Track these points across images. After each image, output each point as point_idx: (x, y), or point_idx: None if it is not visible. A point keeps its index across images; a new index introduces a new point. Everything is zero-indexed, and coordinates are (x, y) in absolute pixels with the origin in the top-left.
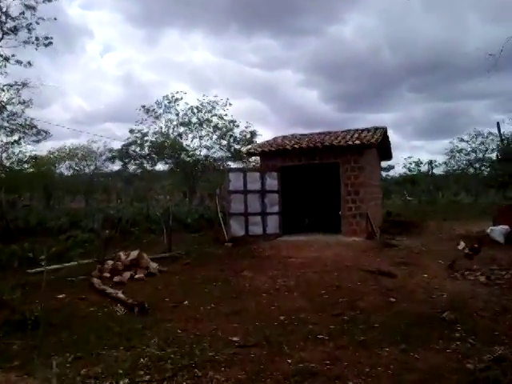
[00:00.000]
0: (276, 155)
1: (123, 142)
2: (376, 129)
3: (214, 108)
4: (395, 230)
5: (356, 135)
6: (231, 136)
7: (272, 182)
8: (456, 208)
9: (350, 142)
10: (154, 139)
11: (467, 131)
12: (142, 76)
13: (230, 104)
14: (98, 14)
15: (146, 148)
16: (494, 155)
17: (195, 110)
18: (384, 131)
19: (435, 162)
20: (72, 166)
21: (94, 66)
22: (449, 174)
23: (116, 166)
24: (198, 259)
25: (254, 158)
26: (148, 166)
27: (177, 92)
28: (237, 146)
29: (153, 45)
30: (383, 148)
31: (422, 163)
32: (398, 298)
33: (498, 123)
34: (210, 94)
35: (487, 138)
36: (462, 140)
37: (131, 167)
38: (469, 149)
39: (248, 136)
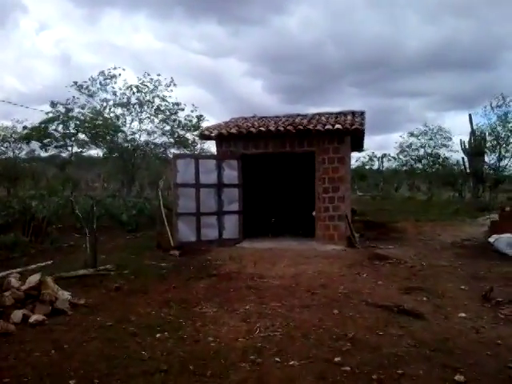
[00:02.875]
0: (236, 140)
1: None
2: (353, 113)
3: (156, 88)
4: (371, 234)
5: (332, 119)
6: (175, 120)
7: (231, 174)
8: (417, 205)
9: (329, 127)
10: (81, 116)
11: (417, 126)
12: (80, 57)
13: (175, 85)
14: None
15: (72, 127)
16: (442, 151)
17: (135, 90)
18: (363, 115)
19: (388, 155)
20: None
21: (28, 44)
22: (398, 170)
23: (34, 149)
24: (133, 280)
25: (201, 145)
26: (75, 149)
27: (114, 68)
28: (181, 132)
29: (92, 24)
30: (355, 137)
31: (376, 157)
32: (463, 371)
33: (470, 115)
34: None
35: (436, 133)
36: (411, 135)
37: (52, 149)
38: (418, 144)
39: (194, 121)
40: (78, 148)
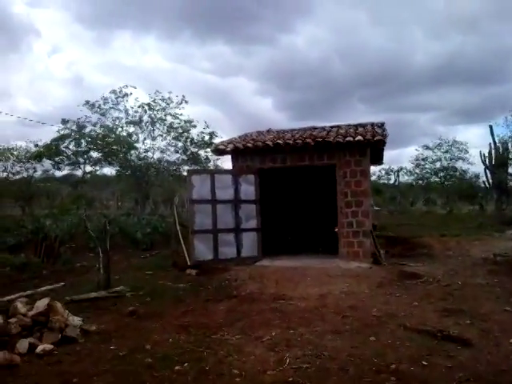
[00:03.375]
0: (253, 154)
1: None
2: (372, 124)
3: (167, 106)
4: (395, 250)
5: (352, 130)
6: (188, 137)
7: (248, 189)
8: (436, 220)
9: (350, 138)
10: (93, 133)
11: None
12: (91, 78)
13: (186, 102)
14: (45, 12)
15: (84, 144)
16: (459, 164)
17: (146, 108)
18: (383, 126)
19: (404, 168)
20: (6, 167)
21: (41, 67)
22: (414, 184)
23: (49, 169)
24: (148, 302)
25: (214, 162)
26: (88, 168)
27: (126, 86)
28: (194, 149)
29: (103, 47)
30: (375, 149)
31: (392, 171)
32: None
33: (490, 126)
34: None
35: (452, 146)
36: (427, 148)
37: (64, 167)
38: (434, 157)
39: (207, 138)
40: (91, 166)
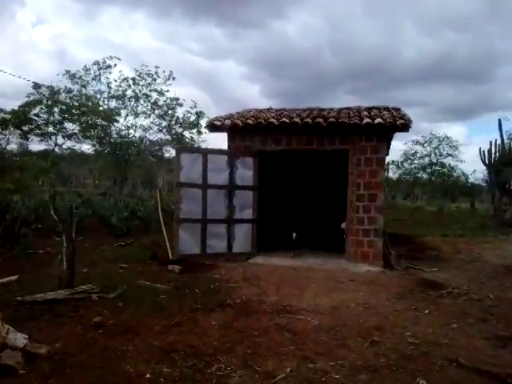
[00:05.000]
0: (253, 133)
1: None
2: (386, 108)
3: (154, 81)
4: (402, 251)
5: (365, 113)
6: (173, 116)
7: (245, 174)
8: (430, 217)
9: (369, 120)
10: (67, 100)
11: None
12: (76, 53)
13: (174, 78)
14: None
15: (57, 112)
16: (448, 160)
17: (131, 82)
18: (400, 111)
19: (396, 161)
20: None
21: (24, 37)
22: (402, 179)
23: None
24: (120, 309)
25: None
26: (60, 140)
27: (110, 57)
28: (179, 129)
29: (90, 21)
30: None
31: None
32: None
33: (499, 120)
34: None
35: (442, 142)
36: (417, 143)
37: (34, 139)
38: (424, 152)
39: (193, 118)
40: (64, 139)
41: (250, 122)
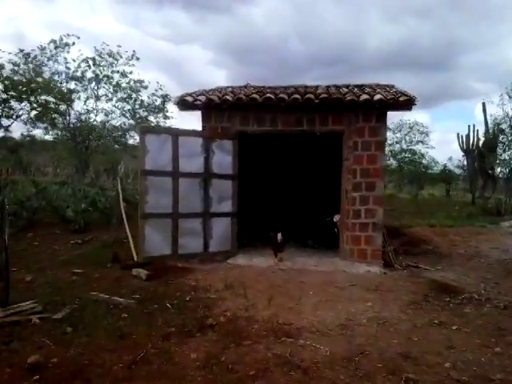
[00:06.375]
0: (231, 112)
1: None
2: (378, 85)
3: (116, 61)
4: (395, 245)
5: (356, 90)
6: (137, 100)
7: (223, 159)
8: (408, 205)
9: (367, 97)
10: (13, 75)
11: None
12: (34, 36)
13: (138, 58)
14: None
15: (0, 89)
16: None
17: (91, 62)
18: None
19: None
20: None
21: None
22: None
23: None
24: (68, 338)
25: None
26: (5, 121)
27: (67, 35)
28: (144, 114)
29: (48, 2)
30: None
31: None
32: None
33: (483, 104)
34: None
35: (412, 128)
36: (388, 129)
37: None
38: (394, 139)
39: (158, 101)
40: (9, 120)
41: (228, 97)
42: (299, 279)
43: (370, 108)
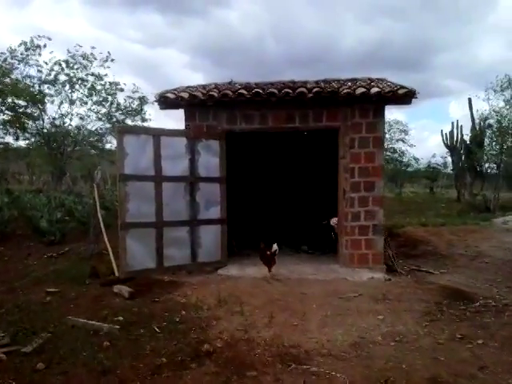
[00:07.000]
0: (217, 110)
1: None
2: (369, 79)
3: (90, 64)
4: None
5: (349, 83)
6: (113, 103)
7: (210, 161)
8: (392, 203)
9: (363, 90)
10: None
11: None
12: (3, 41)
13: (112, 60)
14: None
15: None
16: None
17: (64, 65)
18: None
19: None
20: None
21: None
22: None
23: None
24: (40, 378)
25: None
26: None
27: (39, 37)
28: (120, 117)
29: (19, 6)
30: None
31: None
32: None
33: (469, 99)
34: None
35: (391, 126)
36: None
37: None
38: None
39: (135, 104)
40: None
41: (213, 93)
42: (299, 290)
43: (367, 102)
